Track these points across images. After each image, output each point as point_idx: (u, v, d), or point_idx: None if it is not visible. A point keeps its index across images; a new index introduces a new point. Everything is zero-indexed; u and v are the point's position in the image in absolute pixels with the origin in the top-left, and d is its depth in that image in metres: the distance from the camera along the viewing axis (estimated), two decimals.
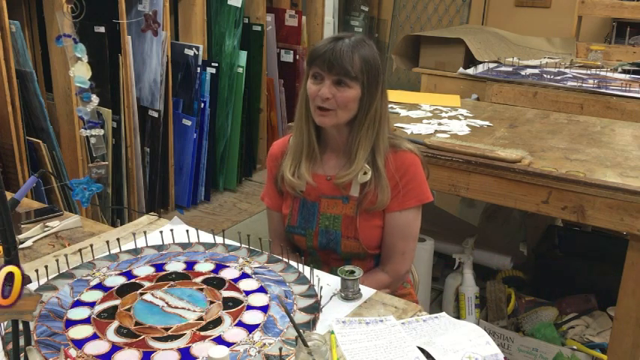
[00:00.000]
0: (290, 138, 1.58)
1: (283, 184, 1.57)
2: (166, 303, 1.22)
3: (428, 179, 1.55)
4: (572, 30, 3.93)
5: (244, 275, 1.33)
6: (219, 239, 1.50)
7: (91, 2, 1.56)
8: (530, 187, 1.80)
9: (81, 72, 1.58)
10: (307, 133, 1.50)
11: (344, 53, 1.39)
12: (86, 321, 1.16)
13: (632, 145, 2.10)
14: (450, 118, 2.42)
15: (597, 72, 3.18)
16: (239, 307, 1.20)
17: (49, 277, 1.31)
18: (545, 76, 3.04)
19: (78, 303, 1.22)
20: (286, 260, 1.40)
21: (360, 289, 1.27)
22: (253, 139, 3.99)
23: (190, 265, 1.37)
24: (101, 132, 1.67)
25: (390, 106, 2.56)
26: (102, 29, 2.85)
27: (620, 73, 3.20)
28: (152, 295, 1.25)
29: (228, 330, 1.13)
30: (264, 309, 1.20)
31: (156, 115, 3.14)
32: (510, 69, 3.20)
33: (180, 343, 1.09)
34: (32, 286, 1.28)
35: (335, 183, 1.50)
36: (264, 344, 1.09)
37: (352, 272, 1.26)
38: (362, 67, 1.41)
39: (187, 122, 3.36)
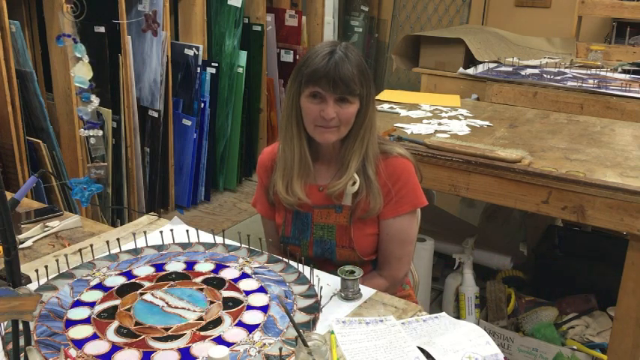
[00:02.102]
0: (278, 148, 1.54)
1: (275, 197, 1.55)
2: (166, 303, 1.22)
3: (421, 182, 1.53)
4: (572, 30, 3.93)
5: (244, 275, 1.33)
6: (219, 239, 1.50)
7: (91, 2, 1.56)
8: (530, 187, 1.80)
9: (82, 72, 1.58)
10: (299, 148, 1.47)
11: (346, 71, 1.36)
12: (86, 321, 1.16)
13: (632, 145, 2.10)
14: (450, 118, 2.42)
15: (597, 72, 3.18)
16: (239, 307, 1.20)
17: (49, 277, 1.31)
18: (545, 76, 3.04)
19: (78, 303, 1.22)
20: (286, 260, 1.40)
21: (360, 289, 1.27)
22: (253, 139, 3.99)
23: (190, 265, 1.37)
24: (100, 132, 1.67)
25: (390, 106, 2.58)
26: (102, 29, 2.85)
27: (620, 73, 3.20)
28: (152, 295, 1.25)
29: (228, 330, 1.13)
30: (264, 309, 1.20)
31: (156, 115, 3.14)
32: (510, 69, 3.20)
33: (180, 343, 1.09)
34: (32, 286, 1.28)
35: (327, 193, 1.48)
36: (264, 344, 1.09)
37: (352, 272, 1.26)
38: (361, 81, 1.40)
39: (187, 122, 3.36)
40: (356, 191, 1.46)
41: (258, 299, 1.23)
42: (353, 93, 1.39)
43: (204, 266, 1.37)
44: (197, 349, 1.07)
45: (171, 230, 1.54)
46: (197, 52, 3.30)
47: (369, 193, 1.46)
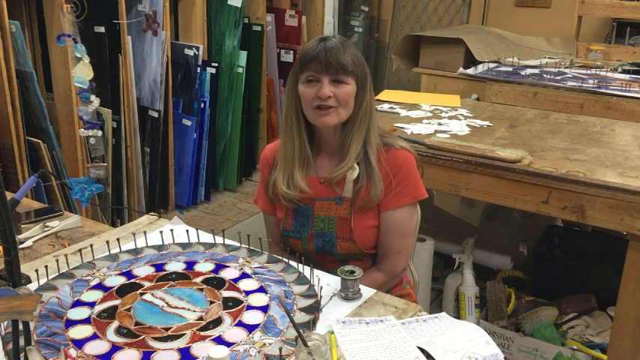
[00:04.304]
0: (279, 144, 1.56)
1: (274, 194, 1.56)
2: (166, 303, 1.22)
3: (423, 177, 1.55)
4: (572, 30, 3.92)
5: (244, 275, 1.33)
6: (219, 239, 1.50)
7: (91, 2, 1.56)
8: (530, 187, 1.80)
9: (83, 72, 1.58)
10: (299, 139, 1.49)
11: (337, 50, 1.41)
12: (86, 321, 1.16)
13: (632, 145, 2.10)
14: (450, 118, 2.42)
15: (597, 72, 3.18)
16: (239, 307, 1.20)
17: (49, 277, 1.31)
18: (545, 76, 3.04)
19: (78, 303, 1.22)
20: (286, 260, 1.40)
21: (360, 289, 1.27)
22: (253, 139, 3.99)
23: (190, 265, 1.37)
24: (99, 133, 1.67)
25: (390, 106, 2.58)
26: (102, 29, 2.85)
27: (620, 73, 3.20)
28: (152, 295, 1.25)
29: (228, 330, 1.13)
30: (264, 309, 1.20)
31: (156, 115, 3.14)
32: (510, 69, 3.20)
33: (180, 343, 1.09)
34: (32, 286, 1.28)
35: (328, 179, 1.50)
36: (264, 344, 1.09)
37: (352, 272, 1.26)
38: (354, 62, 1.43)
39: (187, 122, 3.36)
40: (357, 179, 1.47)
41: (258, 299, 1.23)
42: (346, 70, 1.41)
43: (204, 266, 1.37)
44: (197, 349, 1.07)
45: (171, 230, 1.54)
46: (197, 52, 3.30)
47: (369, 179, 1.47)
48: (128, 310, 1.19)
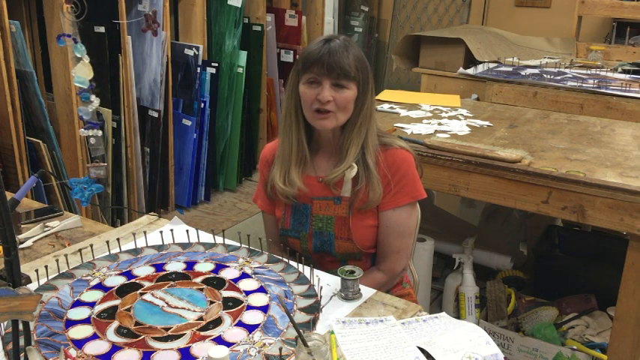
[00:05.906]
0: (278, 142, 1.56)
1: (273, 191, 1.56)
2: (166, 303, 1.22)
3: (422, 177, 1.55)
4: (572, 30, 3.93)
5: (244, 275, 1.33)
6: (219, 239, 1.50)
7: (91, 2, 1.57)
8: (530, 187, 1.80)
9: (83, 72, 1.58)
10: (297, 138, 1.49)
11: (341, 54, 1.40)
12: (86, 321, 1.16)
13: (632, 145, 2.10)
14: (450, 118, 2.42)
15: (597, 72, 3.18)
16: (239, 307, 1.20)
17: (49, 277, 1.31)
18: (545, 76, 3.04)
19: (78, 303, 1.22)
20: (286, 260, 1.40)
21: (360, 289, 1.27)
22: (253, 139, 3.99)
23: (190, 265, 1.37)
24: (99, 133, 1.67)
25: (390, 106, 2.58)
26: (102, 29, 2.86)
27: (620, 73, 3.20)
28: (152, 295, 1.25)
29: (228, 330, 1.13)
30: (264, 309, 1.20)
31: (156, 115, 3.14)
32: (510, 69, 3.20)
33: (180, 343, 1.09)
34: (32, 286, 1.28)
35: (325, 181, 1.50)
36: (264, 344, 1.09)
37: (352, 272, 1.26)
38: (357, 67, 1.42)
39: (187, 122, 3.36)
40: (355, 181, 1.47)
41: (258, 299, 1.23)
42: (348, 76, 1.40)
43: (204, 266, 1.37)
44: (197, 349, 1.07)
45: (171, 230, 1.54)
46: (197, 52, 3.30)
47: (368, 183, 1.47)
48: (128, 310, 1.19)
